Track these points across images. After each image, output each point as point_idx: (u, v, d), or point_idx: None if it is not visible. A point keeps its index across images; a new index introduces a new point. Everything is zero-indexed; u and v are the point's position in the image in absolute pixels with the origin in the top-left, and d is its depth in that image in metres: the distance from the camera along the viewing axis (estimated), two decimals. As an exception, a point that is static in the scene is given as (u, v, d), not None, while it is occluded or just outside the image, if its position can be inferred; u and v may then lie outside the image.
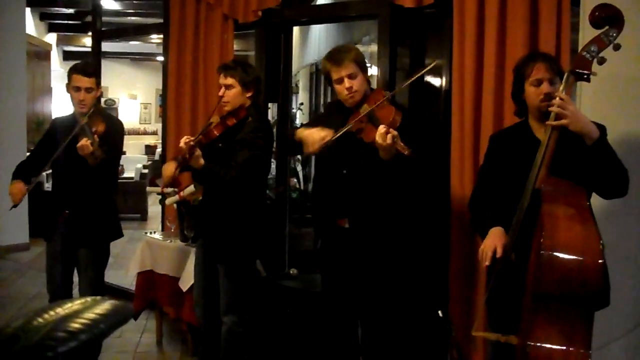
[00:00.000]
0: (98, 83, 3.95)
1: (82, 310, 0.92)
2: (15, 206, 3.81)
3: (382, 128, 2.94)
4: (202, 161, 3.49)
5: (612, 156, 2.62)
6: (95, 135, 3.62)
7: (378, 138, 2.94)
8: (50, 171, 3.86)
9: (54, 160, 3.76)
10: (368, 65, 3.53)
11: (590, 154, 2.58)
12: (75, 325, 0.87)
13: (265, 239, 4.01)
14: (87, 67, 3.93)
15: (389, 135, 2.90)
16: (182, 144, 3.47)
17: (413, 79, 3.22)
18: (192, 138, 3.51)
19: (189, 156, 3.44)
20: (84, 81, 3.82)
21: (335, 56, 3.32)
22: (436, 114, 4.30)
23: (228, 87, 3.66)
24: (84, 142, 3.55)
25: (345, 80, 3.28)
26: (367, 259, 3.35)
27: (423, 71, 3.33)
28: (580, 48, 2.65)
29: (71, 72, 3.86)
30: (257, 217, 3.81)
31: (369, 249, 3.34)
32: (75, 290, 4.15)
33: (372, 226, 3.34)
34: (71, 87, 3.85)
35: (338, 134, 3.18)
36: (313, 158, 7.25)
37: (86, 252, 3.94)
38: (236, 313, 3.80)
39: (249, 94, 3.70)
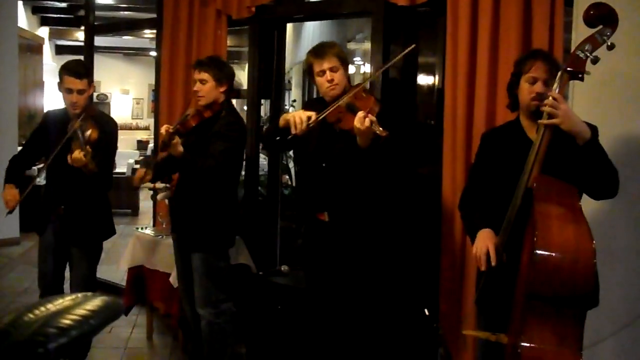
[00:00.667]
0: (90, 82, 3.91)
1: (73, 306, 0.92)
2: (10, 212, 3.79)
3: (361, 113, 3.04)
4: (180, 149, 3.60)
5: (603, 157, 2.62)
6: (88, 146, 3.57)
7: (356, 122, 3.03)
8: (41, 165, 3.85)
9: (49, 154, 3.78)
10: (361, 62, 3.57)
11: (581, 154, 2.59)
12: (65, 321, 0.87)
13: (236, 229, 4.10)
14: (78, 68, 3.85)
15: (367, 119, 2.99)
16: (162, 130, 3.60)
17: (386, 66, 3.46)
18: (172, 126, 3.64)
19: (168, 141, 3.55)
20: (76, 83, 3.77)
21: (318, 49, 3.44)
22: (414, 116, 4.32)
23: (202, 81, 3.81)
24: (77, 154, 3.51)
25: (327, 72, 3.38)
26: (348, 254, 3.37)
27: (397, 58, 3.39)
28: (573, 47, 2.65)
29: (62, 73, 3.80)
30: (228, 207, 3.92)
31: (349, 244, 3.36)
32: (67, 286, 4.14)
33: (352, 220, 3.37)
34: (63, 89, 3.81)
35: (322, 114, 3.27)
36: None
37: (79, 249, 3.95)
38: (212, 305, 3.87)
39: (222, 89, 3.85)
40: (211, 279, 3.87)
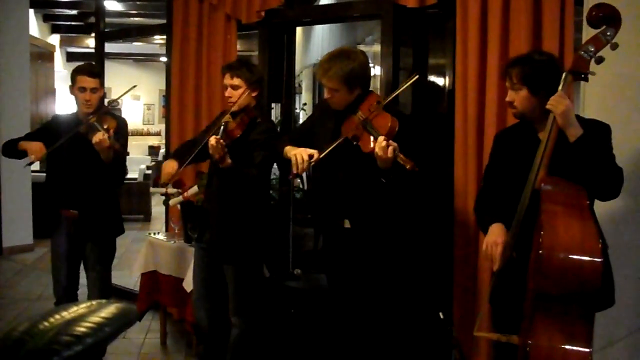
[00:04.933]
0: (102, 83, 4.00)
1: (88, 313, 0.92)
2: (31, 163, 3.82)
3: (382, 140, 2.89)
4: (229, 160, 3.46)
5: (600, 155, 2.60)
6: (111, 130, 3.68)
7: (378, 150, 2.89)
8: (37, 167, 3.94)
9: (56, 156, 3.83)
10: (371, 65, 3.47)
11: (573, 151, 2.58)
12: (81, 329, 0.88)
13: (271, 239, 4.00)
14: (92, 68, 3.99)
15: (390, 148, 2.85)
16: (212, 142, 3.37)
17: (393, 95, 3.25)
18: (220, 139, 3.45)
19: (222, 156, 3.40)
20: (90, 82, 3.87)
21: (322, 65, 3.27)
22: (434, 115, 4.27)
23: (234, 87, 3.66)
24: (100, 135, 3.60)
25: (326, 90, 3.28)
26: (368, 258, 3.34)
27: (402, 88, 3.28)
28: (581, 48, 2.65)
29: (75, 73, 3.91)
30: (263, 217, 3.82)
31: (371, 249, 3.32)
32: (81, 290, 4.18)
33: (373, 227, 3.32)
34: (76, 88, 3.89)
35: (326, 151, 3.19)
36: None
37: (94, 246, 4.01)
38: (245, 315, 3.82)
39: (254, 94, 3.71)
40: (246, 289, 3.80)
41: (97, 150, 3.65)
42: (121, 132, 3.91)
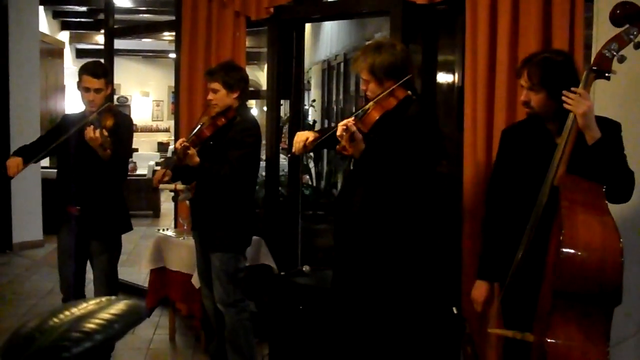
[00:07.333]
0: (108, 82, 4.01)
1: (97, 310, 0.92)
2: (10, 178, 3.86)
3: (341, 124, 2.99)
4: (197, 159, 3.73)
5: (615, 159, 2.59)
6: (104, 130, 3.68)
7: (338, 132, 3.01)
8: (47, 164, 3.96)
9: (64, 153, 3.91)
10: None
11: (589, 154, 2.57)
12: (90, 325, 0.88)
13: (253, 230, 4.18)
14: (96, 68, 3.97)
15: (340, 128, 2.95)
16: (177, 145, 3.75)
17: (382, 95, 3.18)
18: (187, 139, 3.79)
19: (183, 156, 3.70)
20: (93, 82, 3.89)
21: (354, 56, 3.33)
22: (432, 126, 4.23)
23: (214, 90, 3.90)
24: (91, 132, 3.63)
25: (361, 80, 3.31)
26: (375, 252, 3.30)
27: (399, 83, 3.23)
28: (594, 44, 2.64)
29: (81, 72, 3.94)
30: (245, 209, 4.01)
31: (377, 241, 3.29)
32: (89, 287, 4.19)
33: (378, 220, 3.29)
34: (81, 87, 3.93)
35: (322, 137, 3.25)
36: (326, 153, 7.26)
37: (99, 243, 4.02)
38: (231, 304, 3.97)
39: (234, 95, 3.93)
40: (229, 279, 3.93)
41: (92, 146, 3.67)
42: (119, 129, 3.90)
